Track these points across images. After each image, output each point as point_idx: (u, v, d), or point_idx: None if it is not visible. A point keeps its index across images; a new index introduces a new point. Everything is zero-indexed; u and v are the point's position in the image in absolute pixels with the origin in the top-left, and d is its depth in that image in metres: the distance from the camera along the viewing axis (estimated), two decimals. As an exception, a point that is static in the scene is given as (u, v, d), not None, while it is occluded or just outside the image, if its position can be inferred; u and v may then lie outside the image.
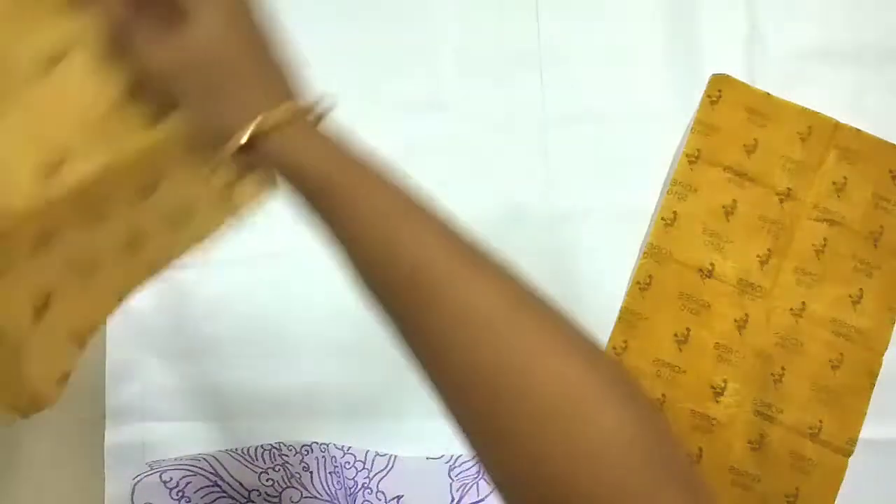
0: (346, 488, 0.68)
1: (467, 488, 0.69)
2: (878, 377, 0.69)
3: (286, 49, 0.41)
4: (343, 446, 0.70)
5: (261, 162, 0.38)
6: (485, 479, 0.68)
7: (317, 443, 0.69)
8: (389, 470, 0.69)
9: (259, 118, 0.37)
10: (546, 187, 0.72)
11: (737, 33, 0.73)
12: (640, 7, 0.74)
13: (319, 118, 0.40)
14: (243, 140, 0.37)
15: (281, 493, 0.67)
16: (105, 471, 0.68)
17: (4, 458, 0.70)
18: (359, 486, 0.69)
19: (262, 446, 0.69)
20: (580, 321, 0.39)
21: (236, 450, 0.68)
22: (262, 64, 0.39)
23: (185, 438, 0.69)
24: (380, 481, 0.69)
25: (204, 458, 0.68)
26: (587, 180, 0.72)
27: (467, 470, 0.69)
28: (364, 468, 0.69)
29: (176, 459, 0.68)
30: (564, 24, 0.74)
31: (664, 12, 0.74)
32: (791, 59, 0.73)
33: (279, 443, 0.69)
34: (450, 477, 0.69)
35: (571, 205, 0.72)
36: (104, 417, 0.69)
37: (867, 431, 0.69)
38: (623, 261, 0.71)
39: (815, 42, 0.73)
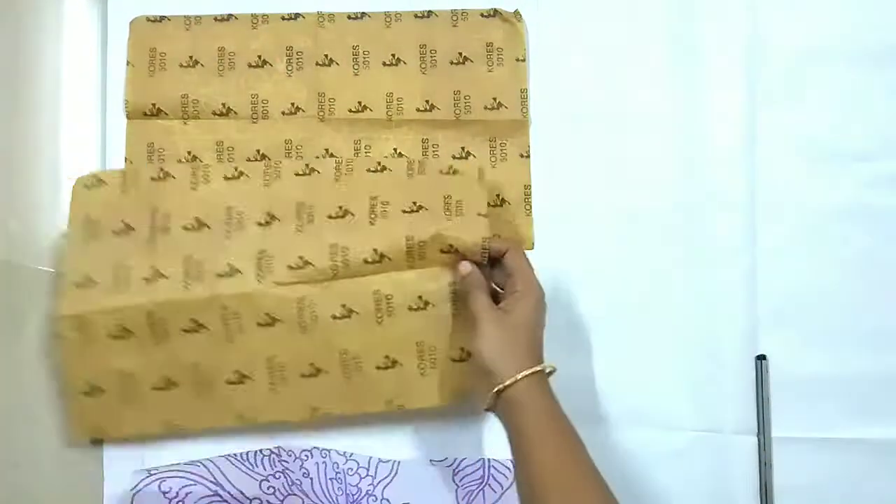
0: (347, 495, 0.65)
1: (473, 495, 0.66)
2: (879, 377, 0.69)
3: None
4: (345, 452, 0.67)
5: (499, 395, 0.57)
6: (490, 485, 0.67)
7: (317, 448, 0.66)
8: (394, 476, 0.66)
9: (518, 375, 0.56)
10: (545, 187, 0.70)
11: (737, 33, 0.70)
12: (640, 7, 0.71)
13: (548, 373, 0.59)
14: (503, 386, 0.56)
15: (283, 500, 0.64)
16: (104, 471, 0.66)
17: (5, 458, 0.67)
18: (363, 493, 0.65)
19: (261, 451, 0.66)
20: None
21: (235, 455, 0.65)
22: (539, 336, 0.60)
23: (185, 440, 0.67)
24: (384, 488, 0.66)
25: (203, 465, 0.64)
26: (586, 180, 0.70)
27: (471, 474, 0.66)
28: (368, 475, 0.66)
29: (174, 465, 0.65)
30: (565, 24, 0.71)
31: (664, 12, 0.71)
32: (791, 59, 0.70)
33: (279, 448, 0.66)
34: (454, 482, 0.66)
35: (570, 204, 0.70)
36: None
37: (867, 431, 0.68)
38: (620, 258, 0.70)
39: (815, 42, 0.70)
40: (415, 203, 0.65)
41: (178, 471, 0.64)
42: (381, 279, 0.64)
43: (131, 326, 0.64)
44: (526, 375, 0.56)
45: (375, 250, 0.64)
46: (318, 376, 0.65)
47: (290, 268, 0.64)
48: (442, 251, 0.64)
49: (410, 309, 0.65)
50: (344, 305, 0.64)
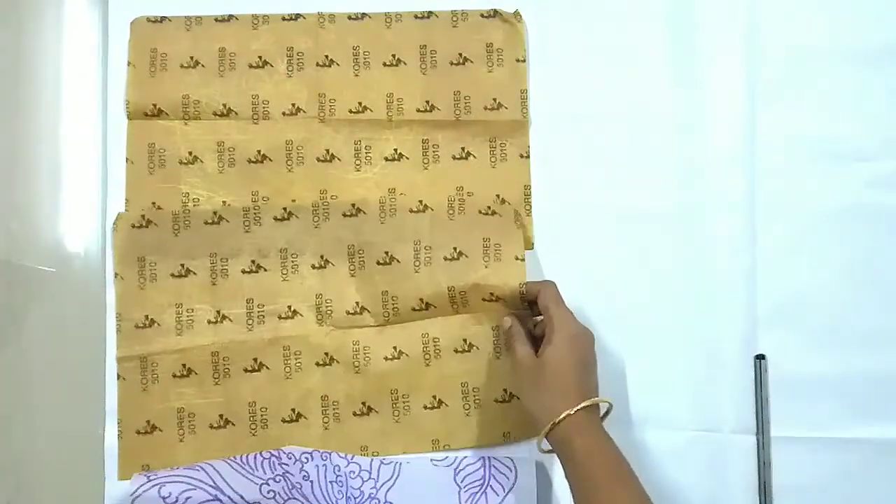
0: (349, 498, 0.65)
1: (476, 498, 0.65)
2: (878, 377, 0.69)
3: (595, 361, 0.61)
4: (346, 455, 0.66)
5: (551, 432, 0.58)
6: (491, 487, 0.66)
7: (317, 451, 0.66)
8: (396, 479, 0.66)
9: (563, 414, 0.57)
10: (545, 187, 0.70)
11: (737, 33, 0.70)
12: (640, 7, 0.71)
13: (604, 412, 0.61)
14: (544, 432, 0.58)
15: None
16: (104, 471, 0.66)
17: (5, 458, 0.67)
18: (365, 497, 0.65)
19: (261, 454, 0.65)
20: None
21: (235, 459, 0.65)
22: (578, 374, 0.59)
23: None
24: (388, 491, 0.65)
25: (202, 469, 0.63)
26: (586, 180, 0.70)
27: (472, 473, 0.66)
28: (370, 478, 0.66)
29: (173, 470, 0.64)
30: (565, 24, 0.71)
31: (664, 12, 0.70)
32: (791, 59, 0.70)
33: (279, 450, 0.65)
34: (457, 484, 0.66)
35: (570, 204, 0.70)
36: (104, 417, 0.66)
37: (866, 431, 0.67)
38: (620, 258, 0.70)
39: (815, 42, 0.70)
40: (455, 249, 0.67)
41: (178, 475, 0.63)
42: (429, 323, 0.67)
43: (195, 366, 0.67)
44: (564, 418, 0.57)
45: (421, 300, 0.67)
46: (370, 415, 0.67)
47: (349, 313, 0.67)
48: (483, 300, 0.66)
49: (456, 351, 0.67)
50: (395, 348, 0.67)
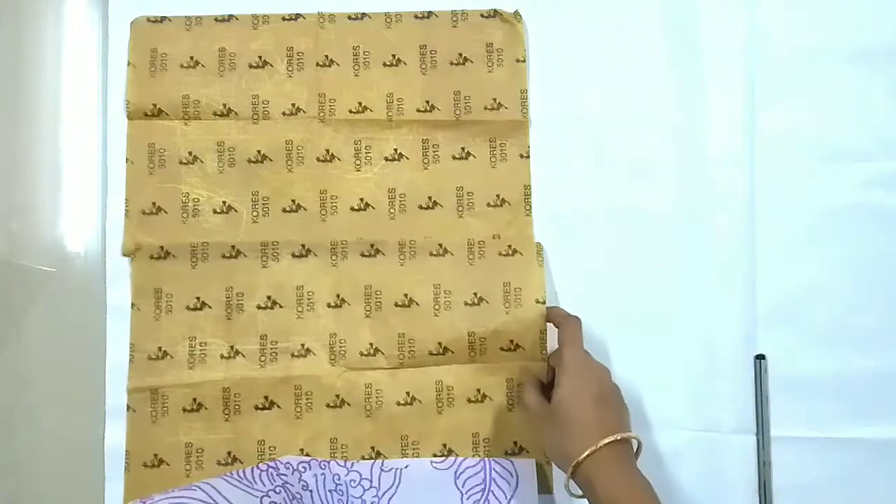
0: None
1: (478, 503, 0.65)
2: (878, 377, 0.69)
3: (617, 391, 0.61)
4: (346, 464, 0.66)
5: (576, 474, 0.56)
6: (493, 493, 0.65)
7: (315, 459, 0.65)
8: (398, 486, 0.65)
9: (583, 454, 0.56)
10: (545, 187, 0.70)
11: (737, 33, 0.70)
12: (640, 7, 0.70)
13: (636, 447, 0.58)
14: (567, 480, 0.57)
15: None
16: (105, 471, 0.66)
17: (5, 458, 0.67)
18: None
19: (258, 467, 0.64)
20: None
21: (232, 474, 0.63)
22: (593, 412, 0.58)
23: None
24: (390, 499, 0.64)
25: (199, 488, 0.61)
26: (586, 180, 0.70)
27: (473, 477, 0.65)
28: (371, 486, 0.65)
29: (169, 492, 0.60)
30: (565, 24, 0.71)
31: (664, 12, 0.70)
32: (791, 59, 0.69)
33: (276, 461, 0.65)
34: (458, 488, 0.65)
35: (570, 204, 0.70)
36: (104, 417, 0.66)
37: (867, 431, 0.67)
38: (619, 258, 0.69)
39: (815, 42, 0.70)
40: (476, 294, 0.67)
41: (174, 497, 0.60)
42: (444, 370, 0.67)
43: (205, 401, 0.66)
44: (585, 458, 0.56)
45: (440, 343, 0.66)
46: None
47: (362, 354, 0.66)
48: (502, 349, 0.66)
49: (469, 401, 0.67)
50: (408, 393, 0.66)
